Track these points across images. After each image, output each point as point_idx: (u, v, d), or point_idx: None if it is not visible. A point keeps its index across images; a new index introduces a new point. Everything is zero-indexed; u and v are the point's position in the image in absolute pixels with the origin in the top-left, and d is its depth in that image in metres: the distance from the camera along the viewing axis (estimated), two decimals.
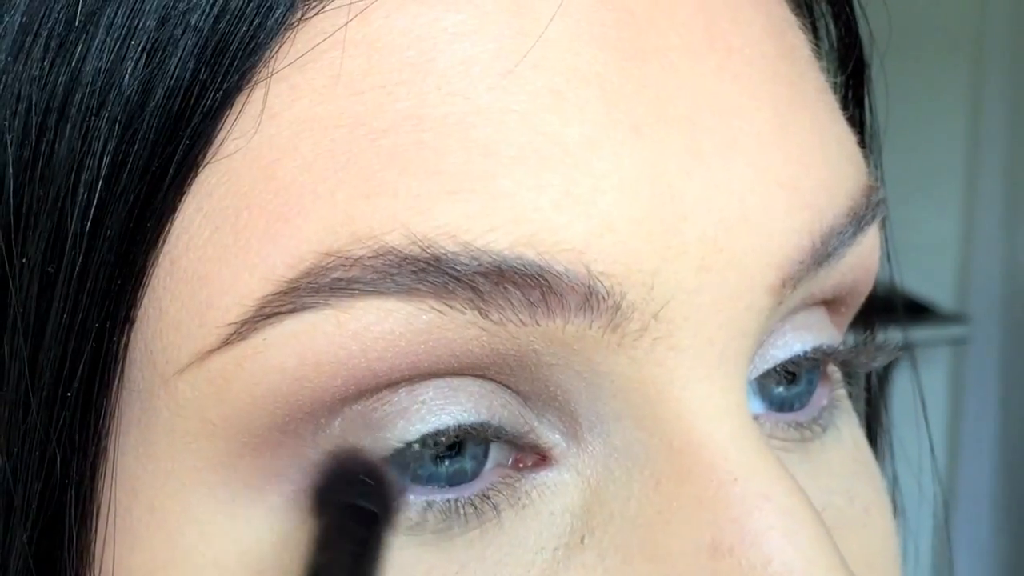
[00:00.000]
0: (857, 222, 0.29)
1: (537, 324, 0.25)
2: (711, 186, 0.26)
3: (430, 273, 0.24)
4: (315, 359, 0.24)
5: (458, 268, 0.24)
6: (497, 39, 0.25)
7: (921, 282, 1.89)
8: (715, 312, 0.26)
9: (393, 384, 0.25)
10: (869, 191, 0.30)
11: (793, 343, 0.30)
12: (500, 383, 0.26)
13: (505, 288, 0.25)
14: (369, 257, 0.24)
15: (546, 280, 0.25)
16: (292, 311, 0.24)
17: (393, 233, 0.24)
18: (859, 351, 0.33)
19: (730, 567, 0.25)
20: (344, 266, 0.24)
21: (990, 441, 2.02)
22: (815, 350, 0.31)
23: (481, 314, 0.25)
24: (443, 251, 0.24)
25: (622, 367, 0.26)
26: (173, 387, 0.25)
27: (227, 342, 0.25)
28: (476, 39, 0.25)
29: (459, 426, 0.26)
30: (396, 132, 0.25)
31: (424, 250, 0.24)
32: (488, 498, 0.26)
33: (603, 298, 0.25)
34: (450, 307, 0.25)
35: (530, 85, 0.25)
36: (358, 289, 0.24)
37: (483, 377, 0.26)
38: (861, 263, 0.30)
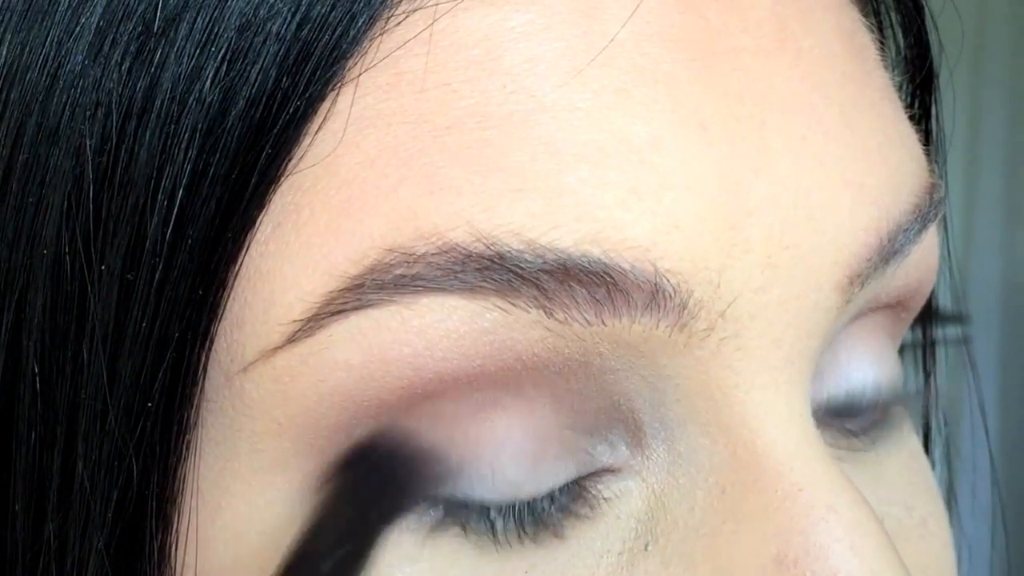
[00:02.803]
0: (922, 219, 0.29)
1: (603, 324, 0.25)
2: (778, 184, 0.26)
3: (494, 271, 0.24)
4: (381, 355, 0.24)
5: (523, 266, 0.24)
6: (564, 38, 0.25)
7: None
8: (782, 311, 0.26)
9: (461, 396, 0.25)
10: (931, 188, 0.30)
11: (854, 371, 0.31)
12: (566, 409, 0.26)
13: (570, 286, 0.24)
14: (433, 254, 0.24)
15: (612, 278, 0.25)
16: (356, 307, 0.24)
17: (457, 230, 0.24)
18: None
19: None
20: (407, 262, 0.24)
21: (989, 441, 2.03)
22: (875, 389, 0.31)
23: (546, 313, 0.25)
24: (507, 249, 0.24)
25: (688, 369, 0.26)
26: (238, 386, 0.25)
27: (292, 339, 0.25)
28: (543, 38, 0.25)
29: (541, 497, 0.26)
30: (460, 129, 0.24)
31: (488, 247, 0.24)
32: (556, 500, 0.26)
33: (670, 296, 0.25)
34: (514, 306, 0.24)
35: (596, 83, 0.25)
36: (422, 286, 0.24)
37: (549, 400, 0.26)
38: (924, 260, 0.30)
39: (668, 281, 0.25)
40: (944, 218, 0.32)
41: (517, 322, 0.25)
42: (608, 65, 0.25)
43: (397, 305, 0.24)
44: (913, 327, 0.35)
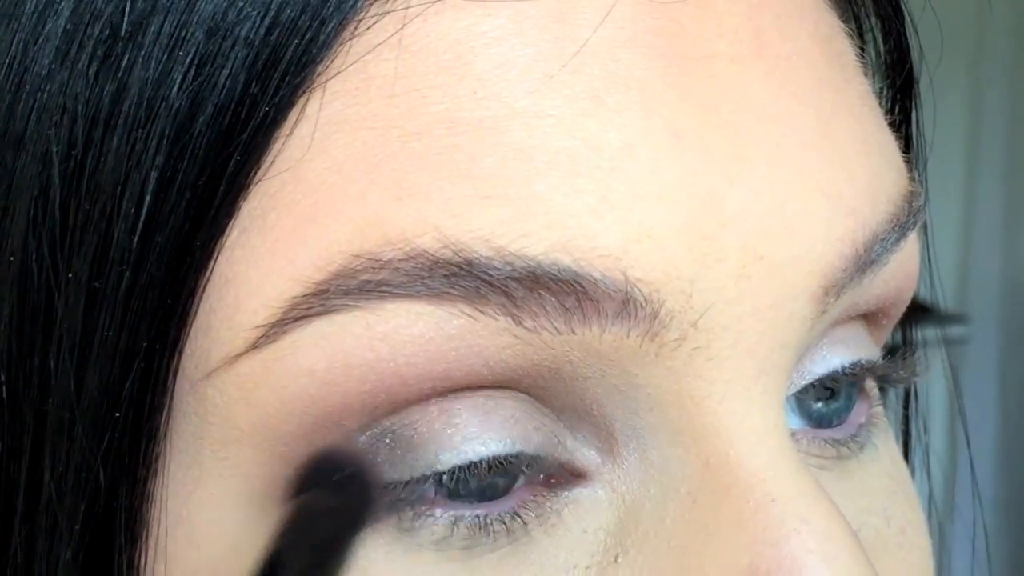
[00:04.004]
0: (900, 228, 0.29)
1: (573, 332, 0.25)
2: (753, 193, 0.26)
3: (462, 277, 0.24)
4: (344, 361, 0.24)
5: (491, 273, 0.24)
6: (535, 44, 0.25)
7: (920, 282, 1.88)
8: (755, 321, 0.26)
9: (424, 398, 0.25)
10: (910, 196, 0.30)
11: (831, 358, 0.30)
12: (534, 398, 0.26)
13: (539, 294, 0.24)
14: (399, 260, 0.24)
15: (582, 286, 0.24)
16: (321, 313, 0.24)
17: (425, 236, 0.24)
18: (898, 365, 0.33)
19: None
20: (374, 268, 0.24)
21: (989, 441, 2.02)
22: (853, 365, 0.30)
23: (515, 321, 0.24)
24: (476, 255, 0.24)
25: (659, 378, 0.26)
26: (201, 393, 0.25)
27: (255, 345, 0.24)
28: (514, 43, 0.25)
29: (493, 457, 0.25)
30: (429, 135, 0.24)
31: (456, 254, 0.24)
32: (518, 516, 0.26)
33: (641, 305, 0.25)
34: (482, 313, 0.24)
35: (568, 90, 0.25)
36: (388, 292, 0.24)
37: (516, 390, 0.26)
38: (903, 268, 0.30)
39: (639, 290, 0.25)
40: (925, 225, 0.32)
41: (485, 329, 0.24)
42: (580, 71, 0.25)
43: (362, 311, 0.24)
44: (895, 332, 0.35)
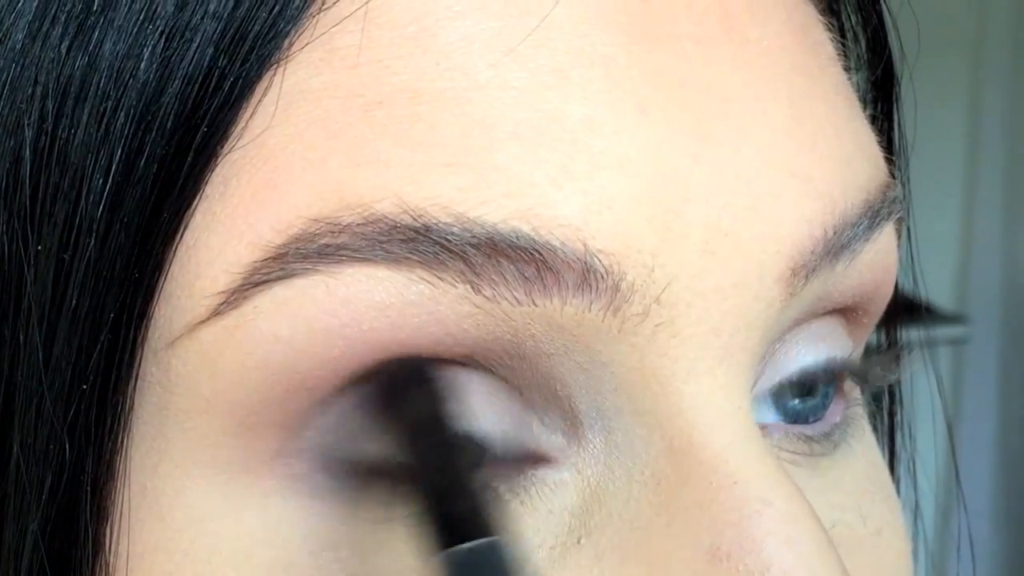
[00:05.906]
0: (872, 216, 0.29)
1: (533, 303, 0.25)
2: (718, 170, 0.26)
3: (421, 243, 0.24)
4: (308, 326, 0.24)
5: (449, 239, 0.24)
6: (500, 18, 0.25)
7: (919, 282, 1.88)
8: (720, 299, 0.26)
9: (391, 358, 0.25)
10: (885, 188, 0.29)
11: (806, 355, 0.30)
12: (502, 379, 0.26)
13: (498, 262, 0.24)
14: (358, 224, 0.24)
15: (541, 255, 0.24)
16: (281, 278, 0.24)
17: (384, 202, 0.24)
18: (874, 364, 0.32)
19: (727, 572, 0.25)
20: (332, 232, 0.24)
21: (989, 441, 2.02)
22: (829, 361, 0.30)
23: (474, 288, 0.24)
24: (434, 221, 0.24)
25: (623, 356, 0.25)
26: (165, 362, 0.25)
27: (217, 312, 0.24)
28: (479, 17, 0.25)
29: (466, 436, 0.25)
30: (391, 104, 0.24)
31: (415, 219, 0.24)
32: (492, 488, 0.25)
33: (602, 277, 0.25)
34: (441, 279, 0.24)
35: (532, 63, 0.25)
36: (346, 256, 0.24)
37: (485, 368, 0.26)
38: (879, 261, 0.30)
39: (600, 261, 0.25)
40: (908, 226, 0.31)
41: (444, 296, 0.24)
42: (544, 46, 0.25)
43: (322, 275, 0.24)
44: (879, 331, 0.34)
